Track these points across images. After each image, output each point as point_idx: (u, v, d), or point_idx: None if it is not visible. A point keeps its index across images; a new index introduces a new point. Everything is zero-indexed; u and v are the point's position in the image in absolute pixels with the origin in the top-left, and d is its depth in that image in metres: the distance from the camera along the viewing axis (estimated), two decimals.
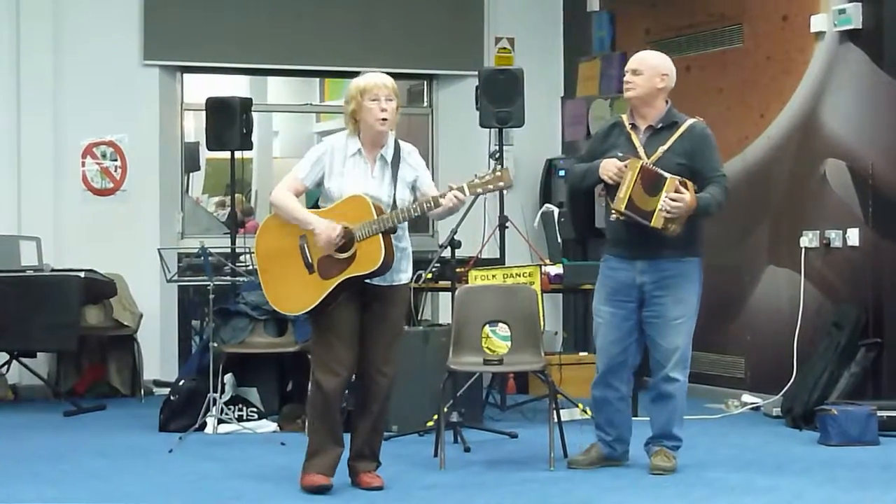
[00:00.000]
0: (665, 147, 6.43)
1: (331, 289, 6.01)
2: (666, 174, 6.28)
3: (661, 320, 6.49)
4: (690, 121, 6.56)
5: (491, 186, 6.14)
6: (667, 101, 6.58)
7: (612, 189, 6.43)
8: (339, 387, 6.12)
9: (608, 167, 6.40)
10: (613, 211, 6.40)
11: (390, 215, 6.04)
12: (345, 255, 6.00)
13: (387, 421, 7.79)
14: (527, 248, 9.41)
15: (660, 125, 6.52)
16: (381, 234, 5.99)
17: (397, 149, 6.20)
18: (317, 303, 6.02)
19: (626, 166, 6.33)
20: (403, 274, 6.22)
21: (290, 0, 10.44)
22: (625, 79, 6.56)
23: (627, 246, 6.50)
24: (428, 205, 6.08)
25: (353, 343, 6.12)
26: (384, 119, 6.05)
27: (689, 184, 6.32)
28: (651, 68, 6.51)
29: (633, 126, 6.56)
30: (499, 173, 6.15)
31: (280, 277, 6.11)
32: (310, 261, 6.05)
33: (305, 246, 6.05)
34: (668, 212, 6.23)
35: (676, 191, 6.23)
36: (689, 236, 6.43)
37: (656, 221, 6.26)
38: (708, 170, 6.44)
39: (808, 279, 8.55)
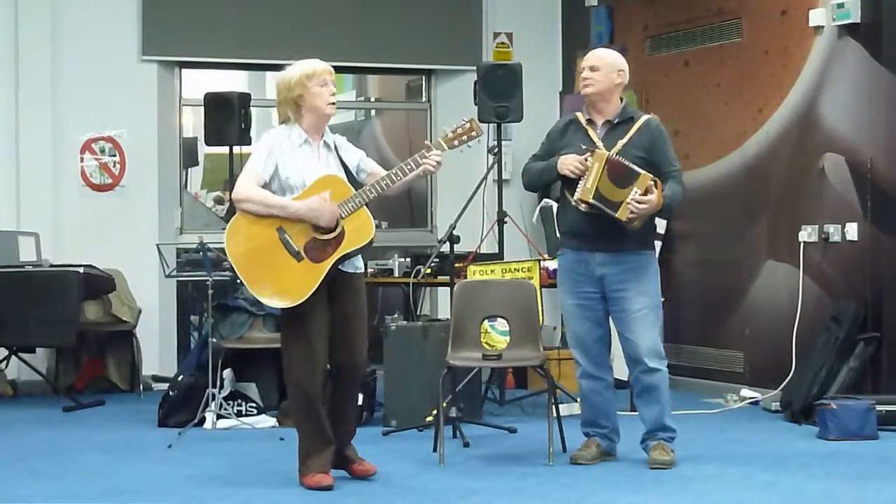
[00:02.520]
0: (624, 140, 6.53)
1: (328, 269, 5.98)
2: (639, 169, 6.38)
3: (625, 314, 6.55)
4: (646, 116, 6.70)
5: (465, 138, 6.26)
6: (621, 98, 6.70)
7: (570, 183, 6.50)
8: (322, 385, 6.12)
9: (568, 161, 6.49)
10: (579, 201, 6.43)
11: (373, 185, 6.06)
12: (332, 236, 5.99)
13: (385, 416, 7.83)
14: (525, 244, 9.41)
15: (617, 120, 6.63)
16: (365, 207, 6.03)
17: (331, 136, 6.25)
18: (316, 286, 5.95)
19: (587, 158, 6.40)
20: (359, 261, 6.27)
21: None
22: (582, 75, 6.68)
23: (587, 238, 6.55)
24: (409, 167, 6.10)
25: (326, 340, 6.11)
26: (333, 103, 6.12)
27: (659, 183, 6.42)
28: (608, 65, 6.63)
29: (590, 121, 6.65)
30: (468, 124, 6.27)
31: (268, 274, 6.00)
32: (296, 249, 5.99)
33: (286, 236, 6.00)
34: (635, 212, 6.32)
35: (647, 190, 6.35)
36: (645, 230, 6.55)
37: (622, 213, 6.35)
38: (665, 164, 6.56)
39: (807, 274, 8.55)
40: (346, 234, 6.00)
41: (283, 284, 5.99)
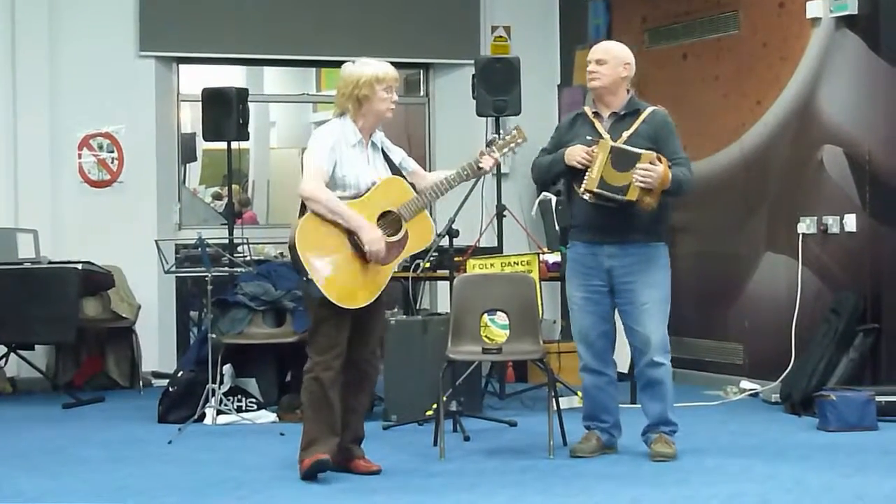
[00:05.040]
0: (630, 132, 6.53)
1: (394, 269, 6.20)
2: (639, 150, 6.38)
3: (632, 306, 6.54)
4: (652, 108, 6.67)
5: (513, 144, 6.49)
6: (628, 90, 6.67)
7: (578, 175, 6.49)
8: (338, 376, 6.14)
9: (575, 152, 6.49)
10: (585, 191, 6.44)
11: (433, 189, 6.24)
12: (397, 238, 6.15)
13: (386, 410, 7.84)
14: (525, 237, 9.41)
15: (623, 112, 6.62)
16: (425, 210, 6.23)
17: (377, 135, 6.35)
18: (384, 286, 6.16)
19: (594, 149, 6.40)
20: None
21: None
22: (589, 69, 6.65)
23: (596, 230, 6.55)
24: (465, 171, 6.32)
25: (348, 332, 6.16)
26: (392, 109, 6.24)
27: (664, 158, 6.40)
28: (615, 58, 6.62)
29: (597, 114, 6.65)
30: (515, 132, 6.50)
31: (341, 276, 6.08)
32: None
33: (356, 238, 6.10)
34: (641, 182, 6.29)
35: (651, 163, 6.32)
36: (656, 220, 6.52)
37: (631, 194, 6.34)
38: (671, 153, 6.52)
39: (806, 265, 8.55)
40: (409, 237, 6.18)
41: (354, 285, 6.10)
